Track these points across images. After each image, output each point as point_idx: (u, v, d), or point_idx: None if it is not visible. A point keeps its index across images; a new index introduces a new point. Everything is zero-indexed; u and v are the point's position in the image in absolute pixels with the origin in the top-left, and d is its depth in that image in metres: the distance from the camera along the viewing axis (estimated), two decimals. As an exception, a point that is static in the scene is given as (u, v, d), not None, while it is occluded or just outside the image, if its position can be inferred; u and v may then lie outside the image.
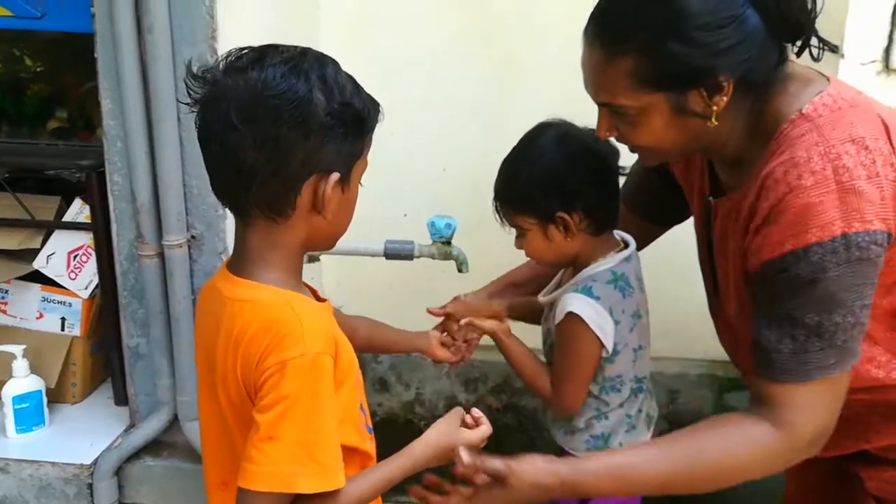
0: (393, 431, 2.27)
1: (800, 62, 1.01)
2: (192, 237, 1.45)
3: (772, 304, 0.94)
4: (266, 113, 0.79)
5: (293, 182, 0.83)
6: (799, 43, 0.98)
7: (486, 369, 2.20)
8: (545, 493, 0.98)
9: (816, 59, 0.99)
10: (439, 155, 2.02)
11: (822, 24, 0.98)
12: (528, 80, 1.88)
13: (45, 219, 1.61)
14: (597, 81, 0.99)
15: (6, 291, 1.65)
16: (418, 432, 2.30)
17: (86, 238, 1.60)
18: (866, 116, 0.92)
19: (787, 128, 0.94)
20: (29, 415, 1.55)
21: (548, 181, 1.21)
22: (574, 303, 1.21)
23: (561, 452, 1.36)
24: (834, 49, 1.00)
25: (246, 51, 0.83)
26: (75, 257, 1.61)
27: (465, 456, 0.99)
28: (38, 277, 1.63)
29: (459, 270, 1.63)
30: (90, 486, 1.49)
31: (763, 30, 0.92)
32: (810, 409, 0.94)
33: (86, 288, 1.62)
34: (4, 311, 1.66)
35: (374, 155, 0.96)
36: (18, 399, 1.53)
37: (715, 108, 0.95)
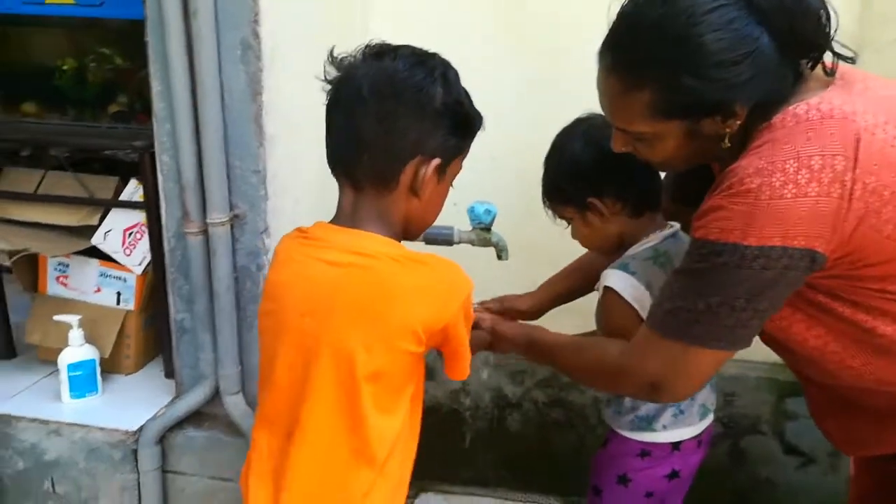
0: (437, 420, 2.28)
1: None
2: (235, 216, 1.49)
3: (679, 268, 1.01)
4: (392, 91, 0.92)
5: (401, 158, 0.94)
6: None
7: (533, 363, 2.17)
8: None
9: (829, 74, 0.99)
10: (488, 145, 2.02)
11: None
12: (573, 74, 1.86)
13: (104, 197, 1.69)
14: (612, 109, 1.04)
15: (67, 266, 1.75)
16: (462, 422, 2.32)
17: (140, 216, 1.67)
18: (833, 130, 0.91)
19: (755, 135, 0.95)
20: (82, 382, 1.64)
21: (573, 173, 1.31)
22: (609, 277, 1.29)
23: (610, 432, 1.38)
24: (852, 60, 0.99)
25: (383, 44, 0.97)
26: (130, 234, 1.68)
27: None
28: (96, 253, 1.72)
29: (499, 257, 1.63)
30: (135, 451, 1.56)
31: (777, 55, 0.92)
32: (651, 360, 1.03)
33: (139, 264, 1.70)
34: (66, 285, 1.76)
35: None
36: (73, 367, 1.62)
37: (728, 130, 0.97)
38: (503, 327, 1.34)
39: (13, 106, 1.82)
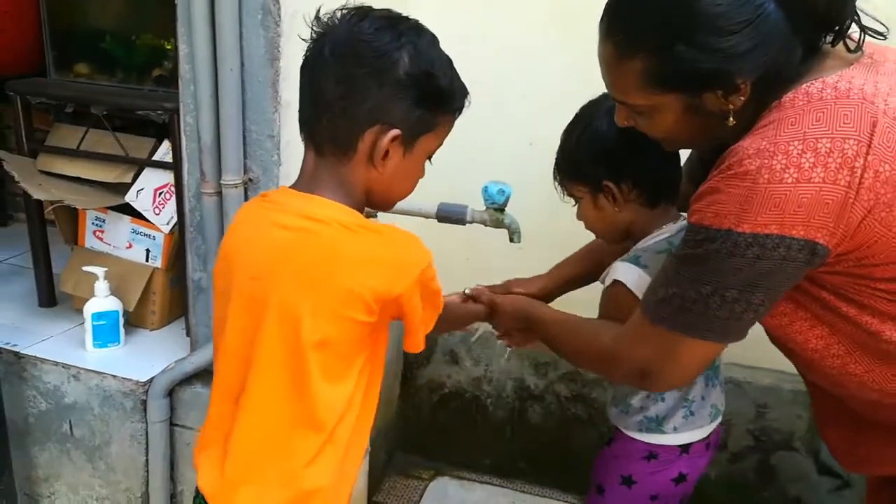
0: (459, 405, 2.26)
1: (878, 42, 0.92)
2: (250, 179, 1.52)
3: (673, 253, 0.97)
4: (353, 52, 0.89)
5: (358, 124, 0.91)
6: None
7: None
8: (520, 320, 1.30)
9: (852, 51, 0.91)
10: (525, 130, 1.99)
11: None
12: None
13: (139, 157, 1.76)
14: (610, 79, 0.99)
15: (104, 221, 1.83)
16: (484, 409, 2.29)
17: (170, 177, 1.72)
18: (847, 111, 0.83)
19: (764, 115, 0.88)
20: (105, 332, 1.71)
21: (595, 149, 1.23)
22: (619, 271, 1.23)
23: (616, 431, 1.35)
24: (883, 35, 0.91)
25: (364, 6, 0.94)
26: (160, 194, 1.75)
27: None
28: (129, 210, 1.79)
29: (511, 240, 1.60)
30: (144, 402, 1.62)
31: (786, 26, 0.85)
32: (642, 346, 1.01)
33: (167, 223, 1.76)
34: (101, 239, 1.84)
35: (460, 123, 1.00)
36: (97, 316, 1.69)
37: (731, 107, 0.91)
38: (501, 300, 1.33)
39: (67, 67, 1.91)
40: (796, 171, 0.82)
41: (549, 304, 1.38)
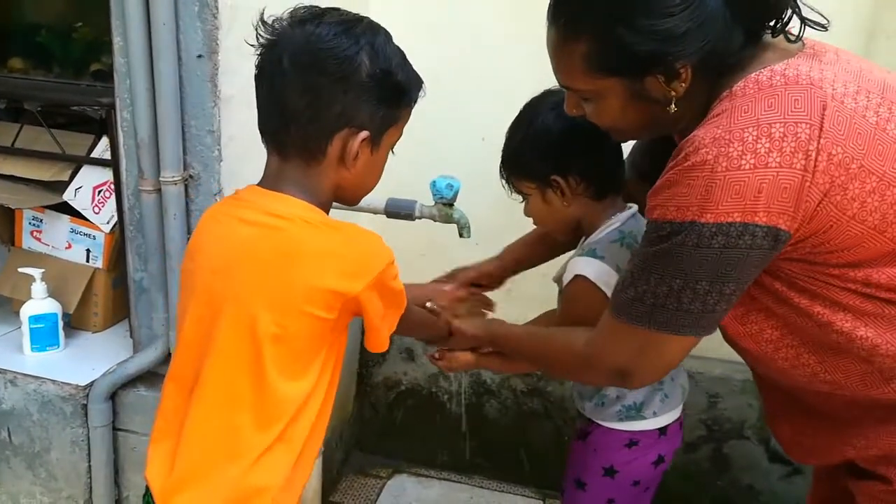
0: (416, 403, 2.25)
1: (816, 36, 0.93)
2: (190, 176, 1.48)
3: (638, 250, 0.96)
4: (313, 63, 0.89)
5: (327, 130, 0.92)
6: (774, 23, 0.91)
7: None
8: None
9: (793, 41, 0.92)
10: (478, 125, 1.97)
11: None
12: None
13: (77, 154, 1.70)
14: (555, 64, 0.99)
15: (41, 220, 1.77)
16: (441, 406, 2.28)
17: (109, 174, 1.67)
18: (798, 96, 0.83)
19: (715, 105, 0.88)
20: (44, 335, 1.66)
21: (541, 144, 1.24)
22: (578, 265, 1.24)
23: (590, 425, 1.36)
24: (823, 27, 0.92)
25: (311, 7, 0.94)
26: (99, 192, 1.69)
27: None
28: (68, 209, 1.73)
29: (461, 235, 1.58)
30: (85, 406, 1.57)
31: (725, 12, 0.86)
32: (618, 348, 0.99)
33: (107, 222, 1.70)
34: (39, 239, 1.78)
35: (413, 117, 1.01)
36: (34, 319, 1.64)
37: (673, 93, 0.91)
38: (460, 326, 1.28)
39: (2, 62, 1.85)
40: (753, 156, 0.82)
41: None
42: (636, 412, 1.31)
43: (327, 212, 0.98)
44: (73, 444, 1.61)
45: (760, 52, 0.91)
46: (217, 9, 1.39)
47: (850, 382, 0.95)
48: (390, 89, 0.93)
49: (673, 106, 0.92)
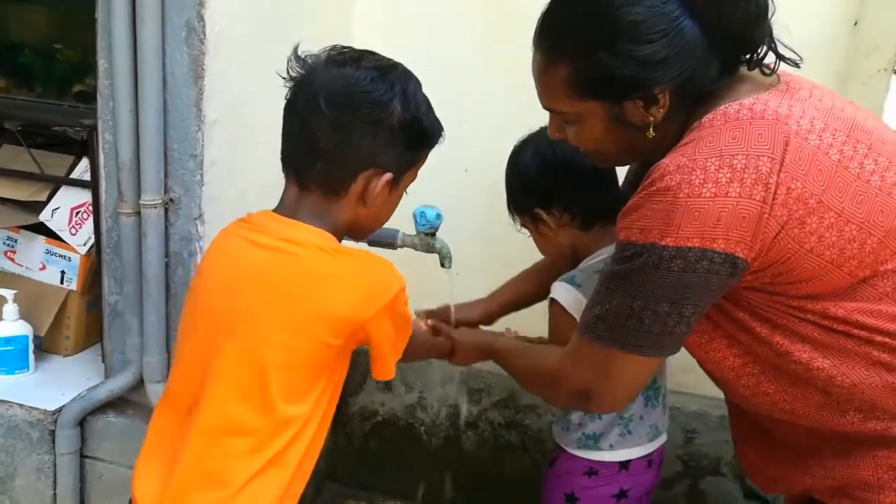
0: (393, 434, 2.22)
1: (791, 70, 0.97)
2: (171, 200, 1.47)
3: (604, 271, 0.98)
4: (350, 104, 0.92)
5: (353, 169, 0.95)
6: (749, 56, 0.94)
7: (491, 381, 2.11)
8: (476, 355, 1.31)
9: (767, 75, 0.95)
10: (462, 156, 1.99)
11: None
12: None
13: (56, 174, 1.68)
14: (539, 87, 1.02)
15: (16, 241, 1.74)
16: (418, 438, 2.25)
17: (88, 196, 1.65)
18: (762, 131, 0.86)
19: (686, 134, 0.91)
20: (13, 358, 1.62)
21: (522, 181, 1.33)
22: (555, 290, 1.29)
23: (557, 450, 1.40)
24: (796, 64, 0.96)
25: (348, 50, 0.97)
26: (77, 214, 1.67)
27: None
28: (44, 230, 1.71)
29: (442, 265, 1.58)
30: (52, 432, 1.53)
31: (702, 42, 0.89)
32: (581, 366, 1.01)
33: (84, 244, 1.68)
34: (13, 260, 1.75)
35: None
36: (4, 341, 1.60)
37: (651, 119, 0.94)
38: (461, 337, 1.33)
39: (-18, 81, 1.83)
40: (714, 185, 0.84)
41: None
42: (594, 442, 1.33)
43: (340, 240, 1.00)
44: (38, 471, 1.56)
45: (736, 84, 0.94)
46: (204, 34, 1.39)
47: (808, 412, 0.96)
48: (417, 134, 0.97)
49: (651, 131, 0.95)
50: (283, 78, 0.97)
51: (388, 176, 0.95)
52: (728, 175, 0.84)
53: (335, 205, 0.96)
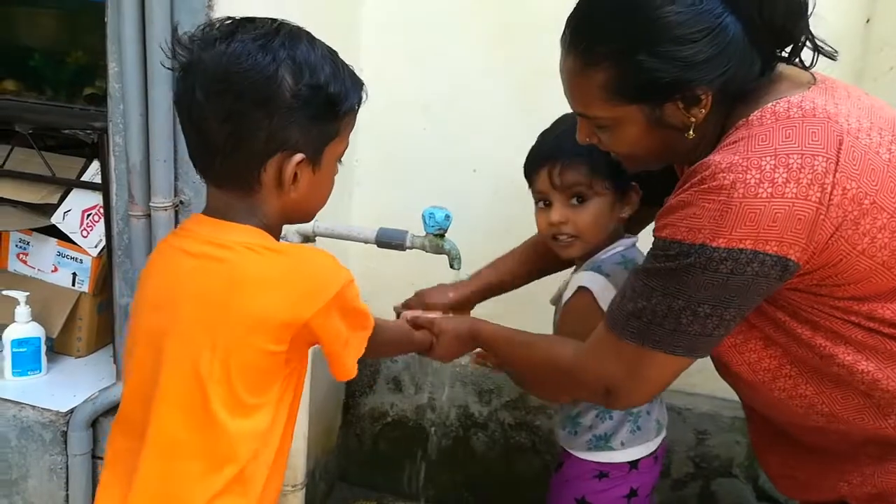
0: (403, 434, 2.22)
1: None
2: (181, 202, 1.48)
3: (641, 267, 0.94)
4: (230, 89, 0.81)
5: (256, 159, 0.85)
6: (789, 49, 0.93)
7: (501, 381, 2.11)
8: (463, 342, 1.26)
9: (807, 68, 0.94)
10: (470, 157, 1.99)
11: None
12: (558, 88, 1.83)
13: (68, 177, 1.69)
14: (572, 91, 0.97)
15: (28, 243, 1.75)
16: (427, 438, 2.25)
17: (99, 198, 1.66)
18: (815, 129, 0.84)
19: (731, 133, 0.88)
20: (26, 359, 1.63)
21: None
22: (584, 278, 1.23)
23: (564, 455, 1.37)
24: (832, 56, 0.93)
25: (224, 23, 0.85)
26: (88, 216, 1.68)
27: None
28: (56, 233, 1.72)
29: (451, 266, 1.57)
30: (65, 434, 1.54)
31: (744, 38, 0.87)
32: (608, 362, 0.98)
33: (95, 246, 1.69)
34: (25, 262, 1.76)
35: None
36: (17, 343, 1.61)
37: (693, 119, 0.91)
38: (442, 324, 1.28)
39: (-7, 84, 1.85)
40: (770, 185, 0.82)
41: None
42: (604, 442, 1.31)
43: (278, 235, 0.92)
44: (51, 472, 1.57)
45: (775, 82, 0.92)
46: (213, 37, 1.39)
47: (846, 415, 0.94)
48: (321, 104, 0.85)
49: (692, 132, 0.92)
50: (167, 68, 0.87)
51: (298, 157, 0.85)
52: (784, 175, 0.82)
53: (256, 198, 0.87)
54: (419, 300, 1.42)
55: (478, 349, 1.30)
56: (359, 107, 0.91)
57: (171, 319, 0.86)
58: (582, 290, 1.22)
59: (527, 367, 1.20)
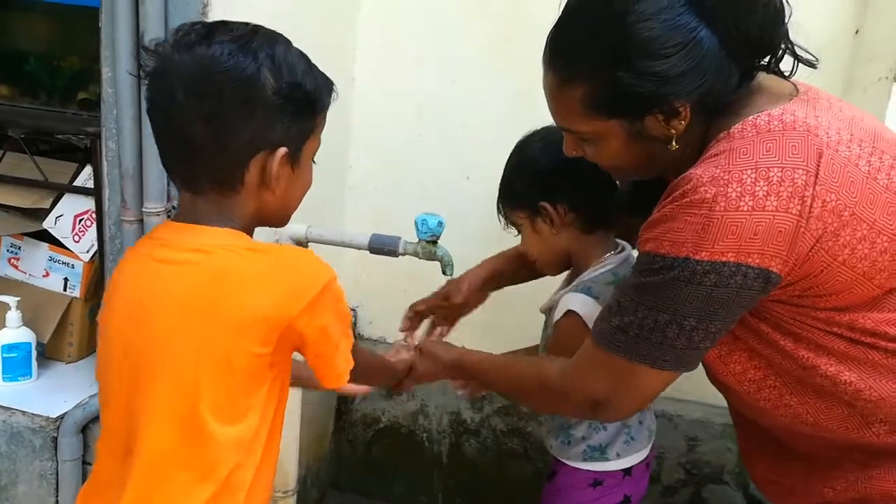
0: (395, 441, 2.22)
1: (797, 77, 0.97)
2: (173, 207, 1.47)
3: (627, 281, 0.95)
4: (212, 90, 0.81)
5: (240, 158, 0.85)
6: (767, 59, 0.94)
7: (493, 388, 2.10)
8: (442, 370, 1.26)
9: (786, 77, 0.95)
10: (464, 164, 1.99)
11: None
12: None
13: (60, 182, 1.69)
14: (553, 107, 0.99)
15: (19, 248, 1.75)
16: (420, 445, 2.25)
17: (91, 203, 1.66)
18: (795, 142, 0.85)
19: (711, 146, 0.89)
20: (17, 365, 1.62)
21: (529, 173, 1.27)
22: (573, 301, 1.24)
23: (556, 464, 1.35)
24: (812, 64, 0.95)
25: (197, 26, 0.85)
26: (80, 221, 1.68)
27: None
28: (47, 237, 1.71)
29: (444, 272, 1.58)
30: (55, 439, 1.53)
31: (720, 51, 0.87)
32: (595, 377, 0.99)
33: (87, 251, 1.69)
34: (16, 267, 1.75)
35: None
36: (7, 348, 1.60)
37: (674, 131, 0.92)
38: (431, 345, 1.29)
39: (-15, 88, 1.84)
40: (751, 199, 0.83)
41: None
42: (600, 454, 1.32)
43: (251, 236, 0.92)
44: (41, 478, 1.56)
45: (755, 94, 0.93)
46: (207, 43, 1.39)
47: (831, 424, 0.95)
48: (300, 101, 0.86)
49: (674, 143, 0.93)
50: (133, 75, 0.86)
51: (282, 151, 0.85)
52: (765, 188, 0.83)
53: (235, 199, 0.87)
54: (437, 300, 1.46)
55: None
56: (328, 107, 0.92)
57: (149, 330, 0.84)
58: (570, 314, 1.23)
59: (515, 391, 1.20)
